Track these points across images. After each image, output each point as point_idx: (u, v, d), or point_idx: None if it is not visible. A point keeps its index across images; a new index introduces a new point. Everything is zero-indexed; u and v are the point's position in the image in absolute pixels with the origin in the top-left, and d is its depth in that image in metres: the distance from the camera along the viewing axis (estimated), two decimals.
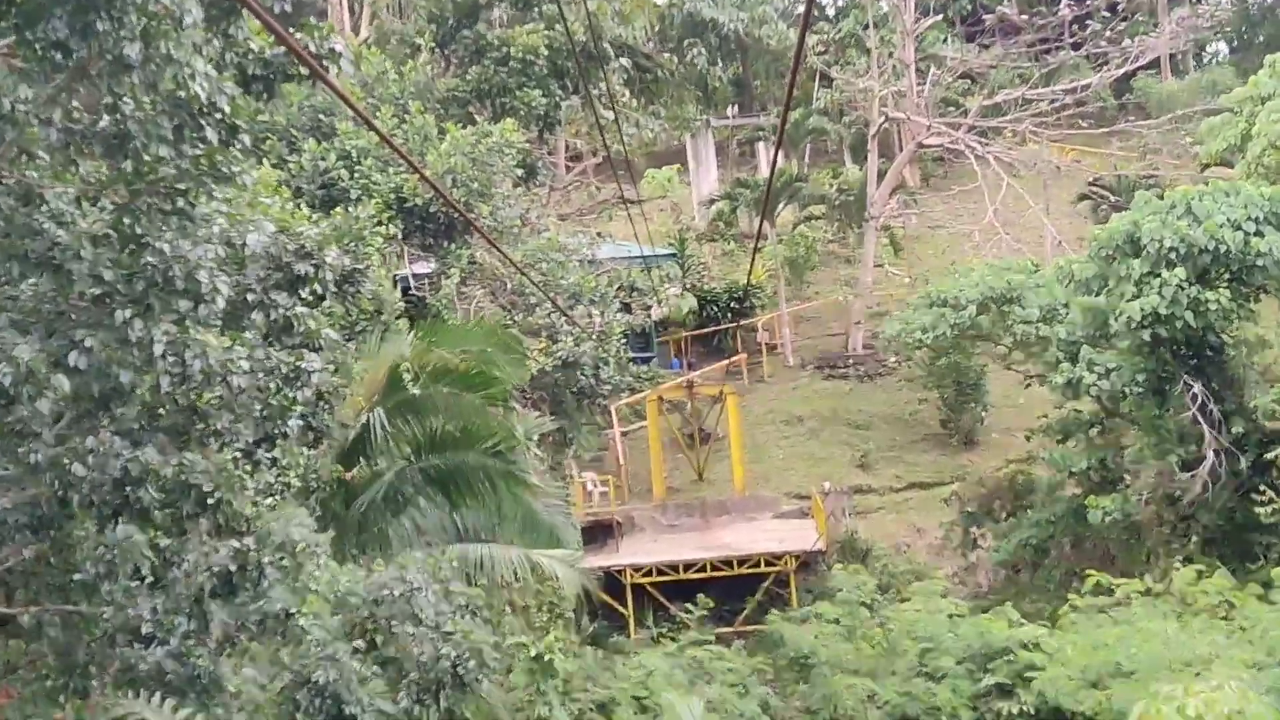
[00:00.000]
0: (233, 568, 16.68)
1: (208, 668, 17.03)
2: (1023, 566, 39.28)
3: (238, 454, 17.25)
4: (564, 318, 34.86)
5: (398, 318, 28.92)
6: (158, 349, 13.89)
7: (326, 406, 21.90)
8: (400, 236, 33.23)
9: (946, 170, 68.67)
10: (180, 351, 15.08)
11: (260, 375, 16.41)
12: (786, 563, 39.47)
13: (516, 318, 35.48)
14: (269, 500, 19.69)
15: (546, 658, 24.17)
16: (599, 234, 48.14)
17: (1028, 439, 43.16)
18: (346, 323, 26.39)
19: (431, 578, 19.24)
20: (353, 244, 24.41)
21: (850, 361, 54.87)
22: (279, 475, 20.88)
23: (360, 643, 18.05)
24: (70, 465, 14.47)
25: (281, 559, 17.33)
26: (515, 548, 25.32)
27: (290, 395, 17.19)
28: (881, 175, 56.91)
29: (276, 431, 17.68)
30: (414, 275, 36.54)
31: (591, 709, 27.60)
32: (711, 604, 35.89)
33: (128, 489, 14.83)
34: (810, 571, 40.24)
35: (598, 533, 41.24)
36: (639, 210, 49.24)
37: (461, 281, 35.42)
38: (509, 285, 36.33)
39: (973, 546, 41.28)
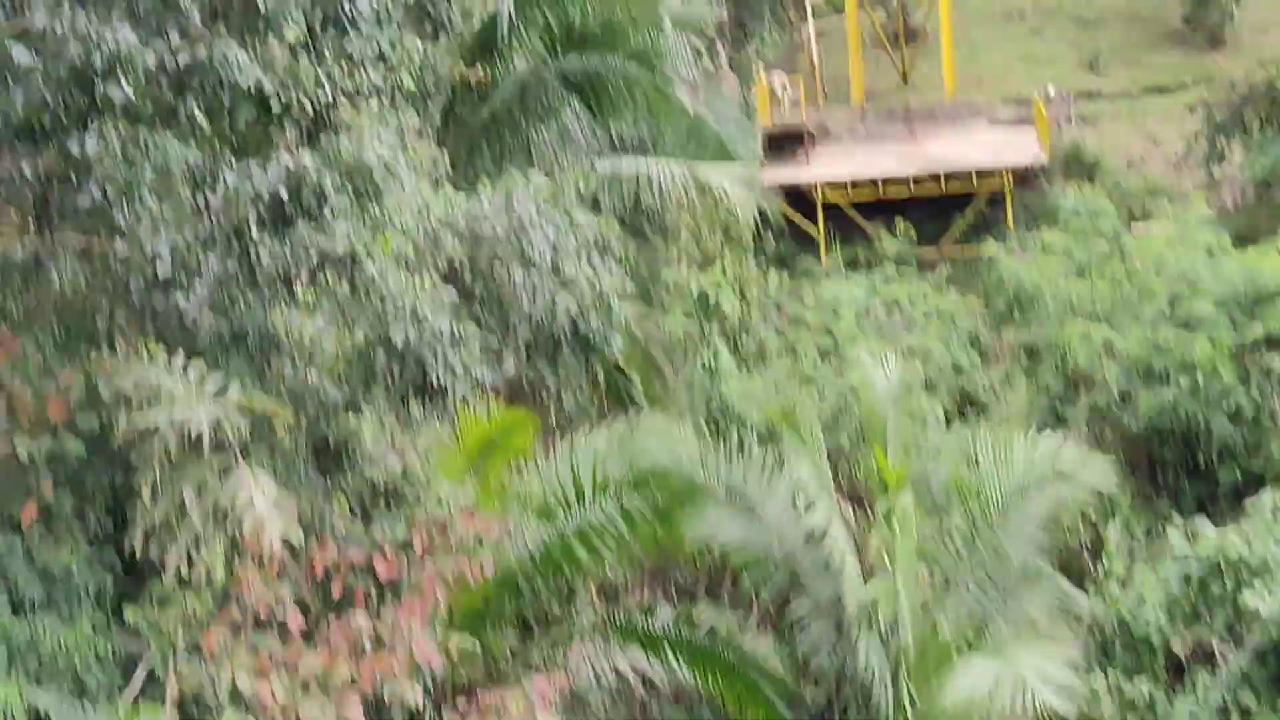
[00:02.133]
0: (284, 193, 12.72)
1: (257, 320, 13.39)
2: (1277, 185, 35.99)
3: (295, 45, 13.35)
4: None
5: None
6: None
7: None
8: None
9: None
10: None
11: None
12: (1002, 178, 37.85)
13: None
14: (374, 103, 15.63)
15: (711, 299, 20.28)
16: None
17: None
18: None
19: (551, 205, 15.09)
20: None
21: None
22: (386, 74, 17.03)
23: (454, 291, 14.12)
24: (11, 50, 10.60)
25: (358, 183, 13.44)
26: (678, 162, 21.76)
27: None
28: None
29: (344, 12, 13.69)
30: None
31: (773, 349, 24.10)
32: (914, 227, 34.55)
33: (95, 82, 10.92)
34: (1029, 189, 38.07)
35: (785, 143, 39.42)
36: None
37: None
38: None
39: (1219, 160, 38.20)
